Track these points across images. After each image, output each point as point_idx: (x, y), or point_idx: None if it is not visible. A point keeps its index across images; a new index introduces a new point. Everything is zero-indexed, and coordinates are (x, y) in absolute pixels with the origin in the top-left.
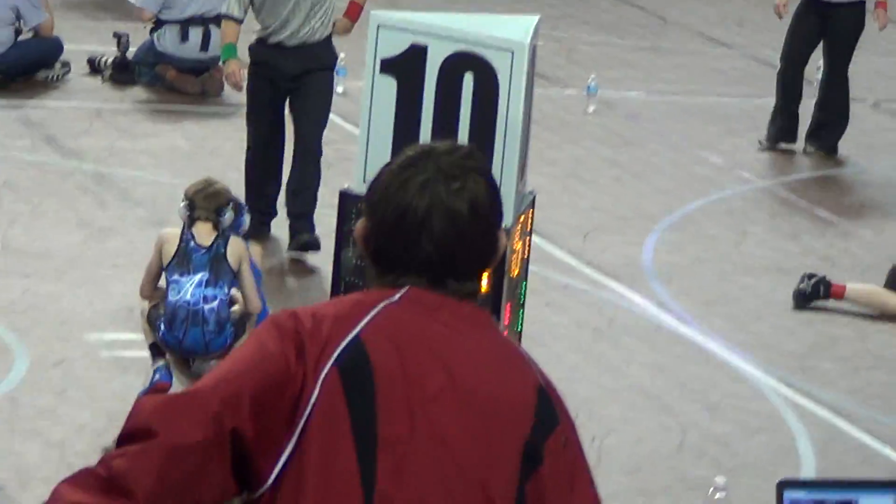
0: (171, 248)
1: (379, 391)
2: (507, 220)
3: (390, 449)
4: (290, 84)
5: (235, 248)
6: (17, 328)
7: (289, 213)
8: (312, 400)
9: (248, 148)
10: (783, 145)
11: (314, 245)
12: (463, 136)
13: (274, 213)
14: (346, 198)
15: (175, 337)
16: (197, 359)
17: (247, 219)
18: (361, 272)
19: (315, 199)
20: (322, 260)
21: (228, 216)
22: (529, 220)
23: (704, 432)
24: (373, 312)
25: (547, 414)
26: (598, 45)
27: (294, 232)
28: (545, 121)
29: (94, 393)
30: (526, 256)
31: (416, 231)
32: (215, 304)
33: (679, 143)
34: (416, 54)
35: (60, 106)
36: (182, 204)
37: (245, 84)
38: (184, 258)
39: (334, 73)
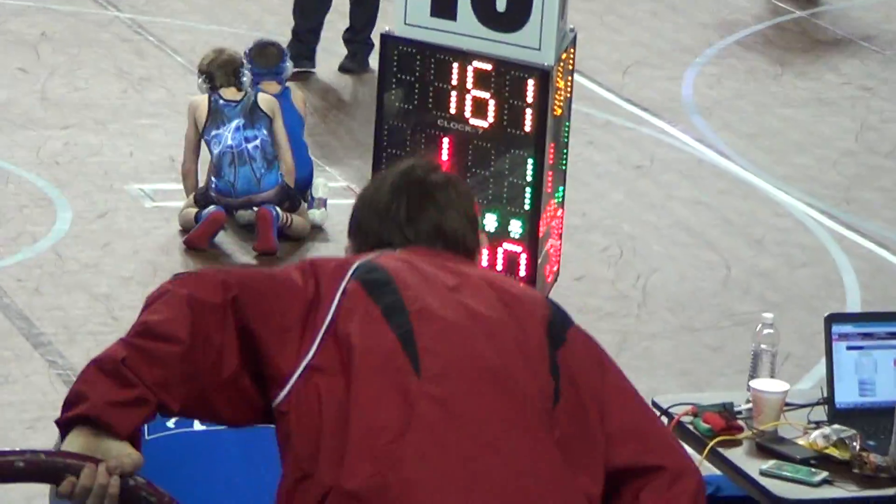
0: (202, 112)
1: (402, 288)
2: (549, 58)
3: (425, 320)
4: None
5: (266, 101)
6: (59, 181)
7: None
8: (335, 304)
9: None
10: None
11: (355, 70)
12: None
13: (316, 40)
14: (387, 40)
15: (227, 182)
16: (250, 200)
17: (289, 66)
18: (406, 115)
19: (367, 24)
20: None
21: (247, 76)
22: (571, 59)
23: (749, 267)
24: (377, 252)
25: (560, 314)
26: None
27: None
28: None
29: (137, 244)
30: (568, 95)
31: (395, 201)
32: (258, 142)
33: None
34: None
35: None
36: (199, 79)
37: None
38: (217, 115)
39: None
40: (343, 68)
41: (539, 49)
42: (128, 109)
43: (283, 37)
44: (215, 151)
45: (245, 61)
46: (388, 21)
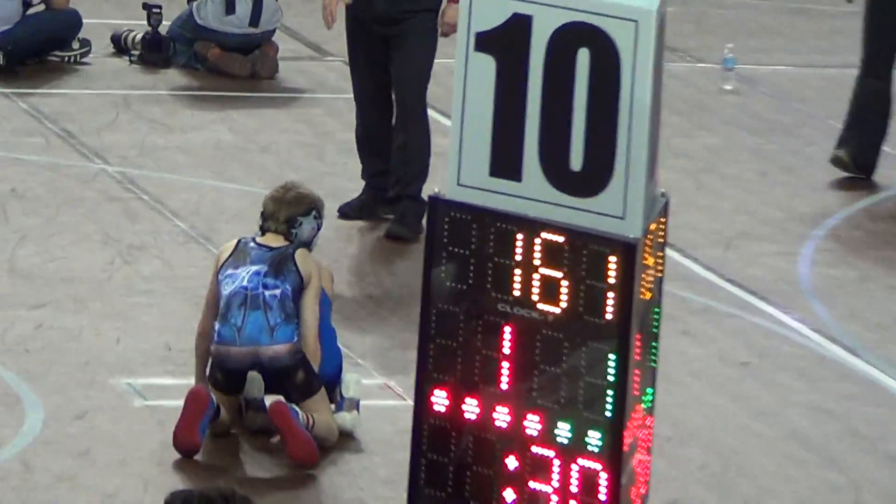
0: (225, 255)
1: None
2: (636, 230)
3: None
4: (385, 29)
5: (305, 259)
6: (30, 373)
7: (390, 190)
8: None
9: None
10: None
11: (403, 236)
12: (578, 125)
13: (384, 191)
14: (436, 205)
15: (232, 326)
16: (256, 352)
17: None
18: (458, 297)
19: (417, 177)
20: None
21: (308, 226)
22: (662, 230)
23: (883, 492)
24: None
25: None
26: (734, 7)
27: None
28: (673, 102)
29: (124, 453)
30: (659, 275)
31: None
32: (278, 292)
33: (837, 129)
34: (519, 26)
35: (79, 94)
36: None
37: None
38: (239, 255)
39: (438, 16)
40: (391, 234)
41: (623, 217)
42: (114, 285)
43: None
44: (226, 292)
45: (315, 212)
46: (436, 180)
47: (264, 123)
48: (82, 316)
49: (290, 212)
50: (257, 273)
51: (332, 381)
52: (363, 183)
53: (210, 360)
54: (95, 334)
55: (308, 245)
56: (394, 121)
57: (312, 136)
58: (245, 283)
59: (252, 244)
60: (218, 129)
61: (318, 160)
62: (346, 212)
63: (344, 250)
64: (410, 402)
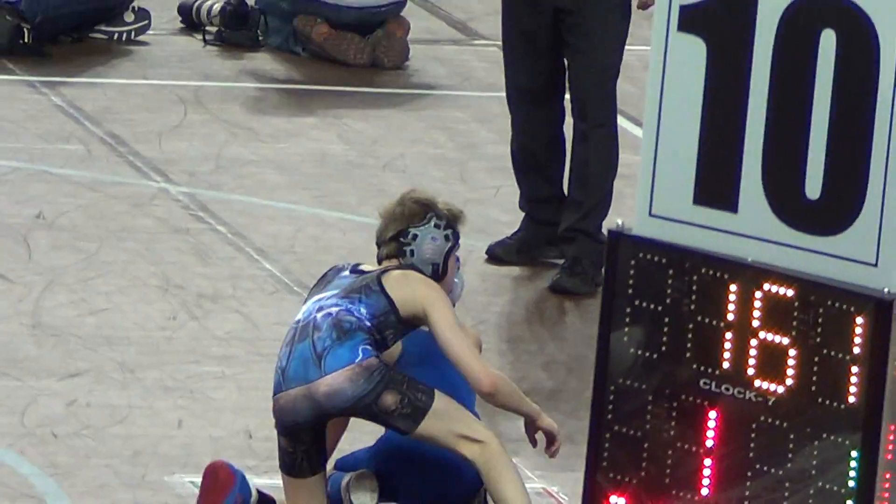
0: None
1: None
2: (894, 282)
3: None
4: (557, 1)
5: (404, 281)
6: (58, 467)
7: (560, 223)
8: None
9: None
10: None
11: (576, 290)
12: (818, 138)
13: (551, 225)
14: (620, 242)
15: (277, 371)
16: (308, 393)
17: (461, 278)
18: (645, 370)
19: (597, 206)
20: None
21: (426, 239)
22: None
23: None
24: None
25: None
26: None
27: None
28: None
29: None
30: None
31: None
32: (334, 310)
33: None
34: (738, 1)
35: (132, 86)
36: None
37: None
38: (320, 283)
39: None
40: (559, 287)
41: (875, 265)
42: (176, 348)
43: None
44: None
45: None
46: (621, 210)
47: (387, 130)
48: (132, 390)
49: (399, 224)
50: (320, 299)
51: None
52: (521, 214)
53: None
54: (149, 415)
55: (436, 269)
56: (566, 130)
57: (453, 149)
58: (300, 315)
59: (346, 272)
60: (323, 137)
61: (461, 182)
62: (497, 253)
63: (492, 305)
64: None
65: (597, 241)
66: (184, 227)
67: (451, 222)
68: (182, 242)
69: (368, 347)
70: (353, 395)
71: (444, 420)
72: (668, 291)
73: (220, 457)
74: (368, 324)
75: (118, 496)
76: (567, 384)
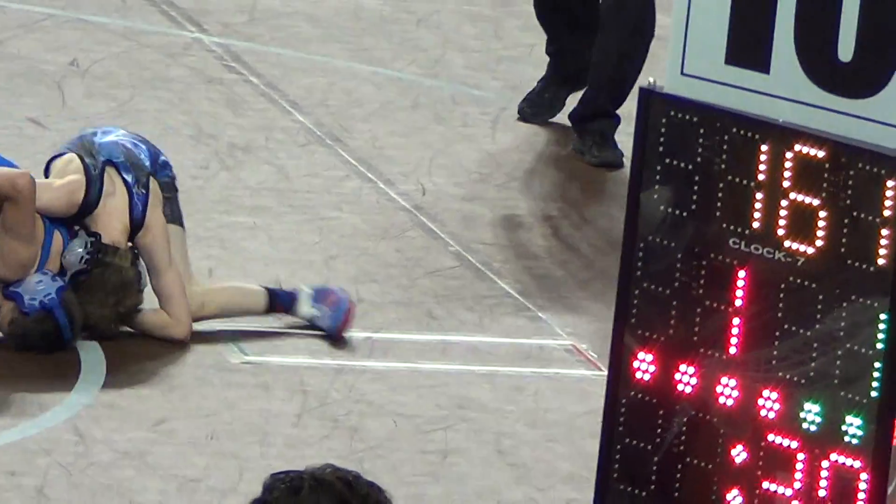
0: None
1: None
2: None
3: None
4: None
5: None
6: None
7: (580, 102)
8: None
9: None
10: None
11: (612, 162)
12: None
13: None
14: (651, 101)
15: None
16: None
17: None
18: (675, 228)
19: (620, 86)
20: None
21: None
22: None
23: None
24: None
25: None
26: None
27: (583, 137)
28: None
29: (213, 424)
30: None
31: None
32: None
33: None
34: None
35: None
36: None
37: None
38: None
39: None
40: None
41: None
42: (208, 198)
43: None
44: None
45: None
46: (654, 69)
47: None
48: None
49: None
50: None
51: None
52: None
53: None
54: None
55: None
56: None
57: (488, 6)
58: None
59: None
60: None
61: (495, 39)
62: (526, 113)
63: (523, 163)
64: (605, 372)
65: (609, 118)
66: (217, 78)
67: None
68: (215, 93)
69: None
70: None
71: None
72: (699, 150)
73: None
74: None
75: (148, 341)
76: (596, 244)
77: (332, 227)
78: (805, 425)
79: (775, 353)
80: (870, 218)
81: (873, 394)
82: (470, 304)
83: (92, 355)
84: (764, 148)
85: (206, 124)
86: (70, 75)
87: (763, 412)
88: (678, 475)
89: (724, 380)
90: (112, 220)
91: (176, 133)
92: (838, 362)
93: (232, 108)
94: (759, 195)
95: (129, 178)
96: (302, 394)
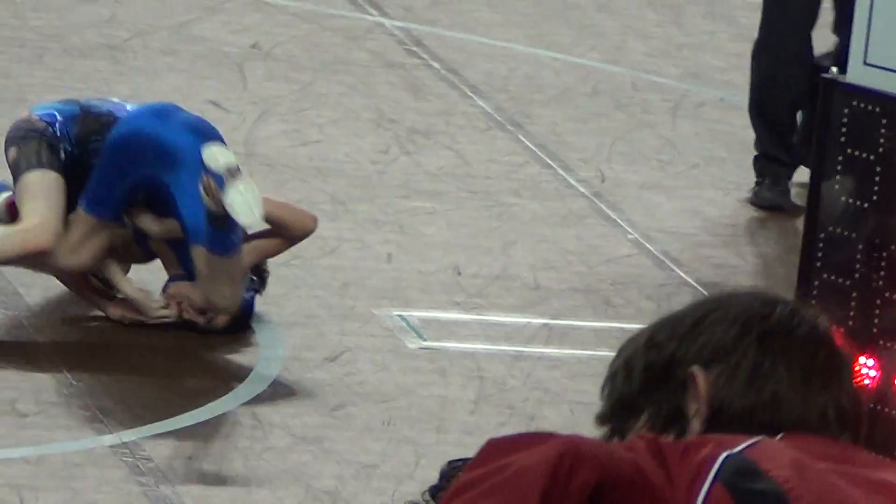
0: None
1: None
2: None
3: None
4: None
5: None
6: (266, 297)
7: None
8: None
9: None
10: None
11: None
12: None
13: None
14: (833, 90)
15: None
16: None
17: None
18: (857, 220)
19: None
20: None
21: None
22: None
23: None
24: (751, 440)
25: None
26: None
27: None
28: None
29: (390, 411)
30: None
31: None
32: None
33: None
34: None
35: None
36: None
37: None
38: None
39: None
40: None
41: None
42: (388, 182)
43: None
44: None
45: None
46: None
47: None
48: (342, 222)
49: None
50: None
51: None
52: (733, 60)
53: None
54: (358, 247)
55: None
56: None
57: None
58: None
59: None
60: None
61: (675, 26)
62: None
63: (709, 153)
64: None
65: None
66: (398, 62)
67: None
68: (396, 77)
69: None
70: None
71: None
72: (881, 141)
73: (430, 292)
74: None
75: (326, 327)
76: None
77: (512, 213)
78: None
79: None
80: None
81: None
82: (648, 293)
83: (270, 341)
84: None
85: (387, 108)
86: (251, 58)
87: None
88: None
89: None
90: None
91: (356, 117)
92: None
93: (412, 93)
94: None
95: None
96: (479, 380)
